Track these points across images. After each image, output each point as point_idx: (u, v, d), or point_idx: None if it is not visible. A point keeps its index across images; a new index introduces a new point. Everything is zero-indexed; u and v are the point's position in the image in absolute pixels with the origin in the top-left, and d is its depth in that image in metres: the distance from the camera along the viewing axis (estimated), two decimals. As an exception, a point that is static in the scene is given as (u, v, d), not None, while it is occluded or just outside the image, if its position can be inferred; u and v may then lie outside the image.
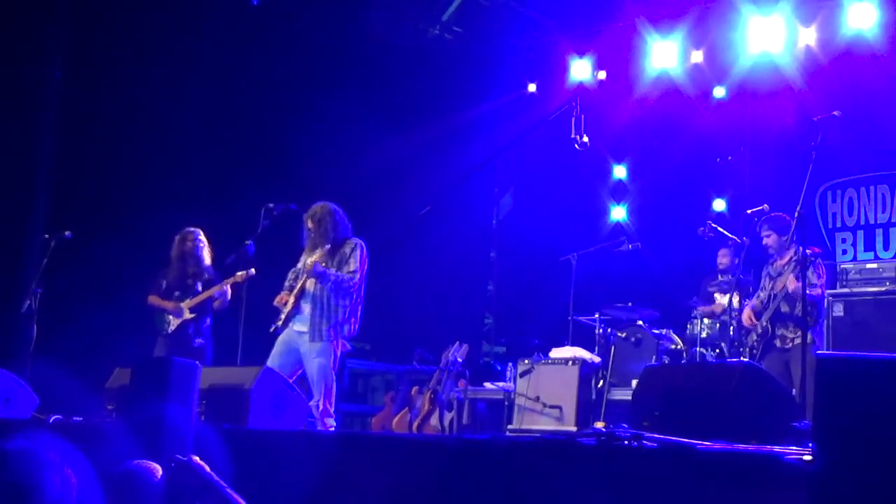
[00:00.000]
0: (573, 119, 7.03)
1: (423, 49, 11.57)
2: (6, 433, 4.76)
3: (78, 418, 5.87)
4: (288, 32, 10.49)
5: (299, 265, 7.40)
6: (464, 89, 11.73)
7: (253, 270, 7.90)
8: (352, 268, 7.17)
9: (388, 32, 11.33)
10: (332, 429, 6.91)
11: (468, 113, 11.63)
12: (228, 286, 8.05)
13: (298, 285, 7.22)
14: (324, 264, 7.15)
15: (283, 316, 7.20)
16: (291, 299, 7.19)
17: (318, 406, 6.91)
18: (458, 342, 9.16)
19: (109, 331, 8.57)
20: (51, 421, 5.78)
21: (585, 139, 7.01)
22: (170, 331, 8.05)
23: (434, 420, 8.87)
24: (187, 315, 8.01)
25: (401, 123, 11.12)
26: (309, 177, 9.93)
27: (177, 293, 8.13)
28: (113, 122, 9.78)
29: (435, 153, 11.13)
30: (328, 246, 7.18)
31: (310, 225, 7.33)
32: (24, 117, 9.80)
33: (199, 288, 8.11)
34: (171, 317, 8.06)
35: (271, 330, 7.20)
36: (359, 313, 7.26)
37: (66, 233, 8.17)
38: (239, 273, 7.93)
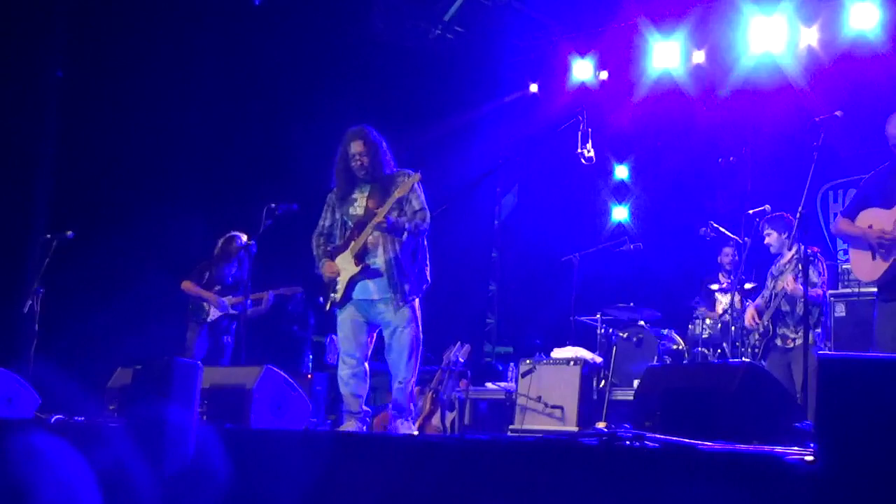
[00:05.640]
0: (579, 133, 6.91)
1: (425, 49, 11.58)
2: (8, 433, 4.76)
3: (79, 418, 5.87)
4: (289, 32, 10.50)
5: (324, 221, 6.04)
6: (465, 89, 11.74)
7: (300, 289, 8.40)
8: (417, 206, 5.79)
9: (390, 33, 11.33)
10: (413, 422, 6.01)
11: (470, 113, 11.65)
12: (272, 294, 8.38)
13: (358, 243, 5.75)
14: (396, 213, 5.72)
15: (340, 288, 5.82)
16: (350, 261, 5.79)
17: (405, 387, 5.83)
18: (459, 342, 9.15)
19: (111, 330, 8.58)
20: (52, 421, 5.78)
21: (591, 153, 6.83)
22: (208, 320, 8.24)
23: (435, 420, 8.86)
24: (230, 310, 8.20)
25: (402, 123, 11.09)
26: (310, 177, 9.92)
27: (217, 287, 8.38)
28: (114, 122, 9.78)
29: (436, 153, 11.13)
30: (390, 183, 5.78)
31: (358, 150, 5.80)
32: (24, 117, 9.80)
33: (239, 290, 8.27)
34: (210, 307, 8.31)
35: (327, 307, 5.97)
36: (428, 259, 5.96)
37: (68, 233, 8.19)
38: (285, 288, 8.39)
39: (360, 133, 5.86)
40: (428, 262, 5.93)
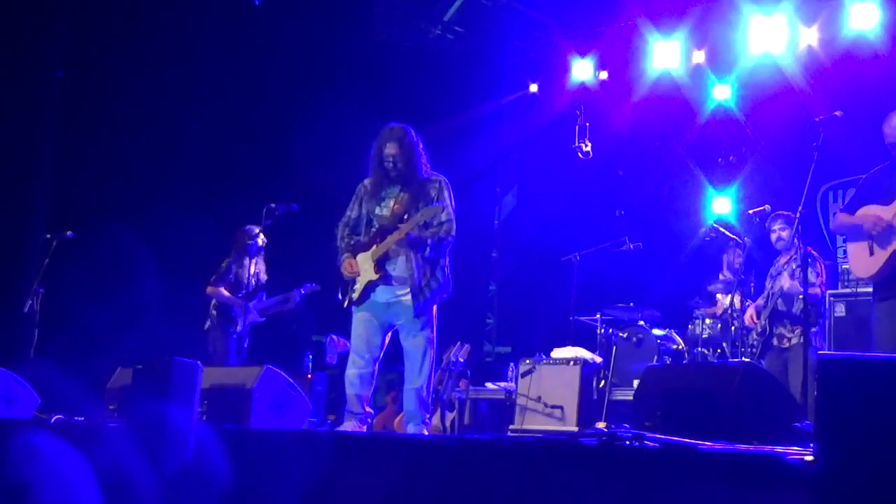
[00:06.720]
0: (577, 127, 6.88)
1: (425, 49, 11.58)
2: (8, 433, 4.76)
3: (79, 418, 5.87)
4: (289, 32, 10.50)
5: (351, 212, 5.86)
6: (465, 89, 11.74)
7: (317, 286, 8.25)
8: (444, 217, 5.64)
9: (390, 33, 11.33)
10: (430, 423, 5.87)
11: (470, 113, 11.64)
12: (300, 292, 8.35)
13: (380, 249, 5.63)
14: (420, 217, 5.54)
15: (358, 287, 5.71)
16: (370, 265, 5.67)
17: (417, 392, 5.66)
18: (459, 342, 9.15)
19: (111, 330, 8.57)
20: (52, 421, 5.78)
21: (588, 147, 6.77)
22: (239, 330, 8.13)
23: (435, 420, 8.86)
24: (259, 318, 8.13)
25: (402, 123, 11.12)
26: (310, 177, 9.95)
27: (243, 291, 8.09)
28: (114, 122, 9.80)
29: (436, 153, 11.12)
30: (418, 187, 5.65)
31: (392, 152, 5.67)
32: (25, 117, 9.82)
33: (264, 293, 8.19)
34: (239, 318, 8.11)
35: (345, 305, 5.82)
36: (450, 269, 5.77)
37: (68, 233, 8.20)
38: (308, 285, 8.33)
39: (396, 135, 5.72)
40: (450, 273, 5.76)
